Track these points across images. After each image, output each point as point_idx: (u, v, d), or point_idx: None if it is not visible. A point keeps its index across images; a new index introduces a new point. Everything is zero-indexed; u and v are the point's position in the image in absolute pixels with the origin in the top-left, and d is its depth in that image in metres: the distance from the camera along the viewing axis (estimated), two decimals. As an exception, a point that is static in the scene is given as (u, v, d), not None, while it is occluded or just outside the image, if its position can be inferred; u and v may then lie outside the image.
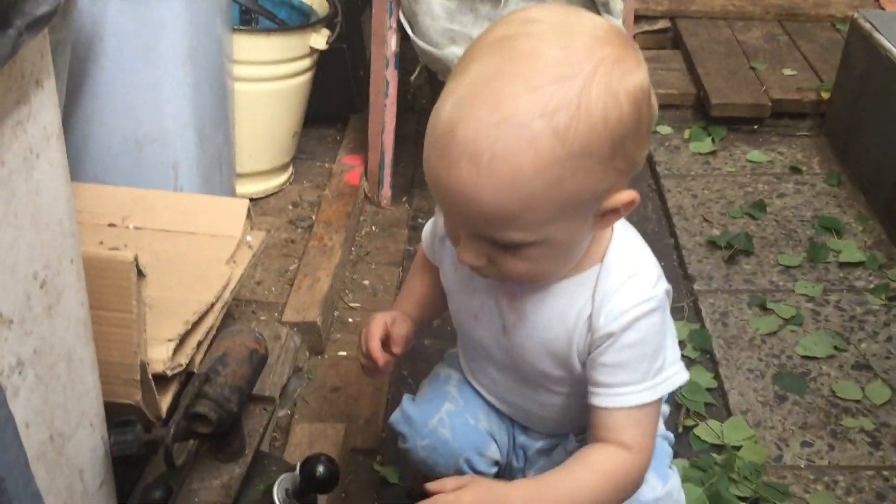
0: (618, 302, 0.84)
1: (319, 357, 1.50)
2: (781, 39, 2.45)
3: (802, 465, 1.31)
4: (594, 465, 0.85)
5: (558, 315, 0.88)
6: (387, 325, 0.99)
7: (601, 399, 0.87)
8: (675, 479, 0.98)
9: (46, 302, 0.74)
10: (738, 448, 1.32)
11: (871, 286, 1.66)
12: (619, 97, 0.72)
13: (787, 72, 2.29)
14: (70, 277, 0.78)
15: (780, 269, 1.71)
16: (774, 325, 1.56)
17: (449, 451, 1.02)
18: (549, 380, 0.94)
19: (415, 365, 1.46)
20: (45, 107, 0.71)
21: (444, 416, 1.02)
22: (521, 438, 1.05)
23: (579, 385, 0.91)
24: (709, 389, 1.43)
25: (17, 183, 0.68)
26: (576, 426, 1.00)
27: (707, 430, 1.35)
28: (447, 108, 0.73)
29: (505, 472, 1.08)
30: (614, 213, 0.79)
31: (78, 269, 0.80)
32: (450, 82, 0.75)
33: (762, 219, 1.85)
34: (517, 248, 0.77)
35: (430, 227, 1.02)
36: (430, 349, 1.48)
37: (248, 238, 1.31)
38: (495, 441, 1.04)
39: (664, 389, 0.87)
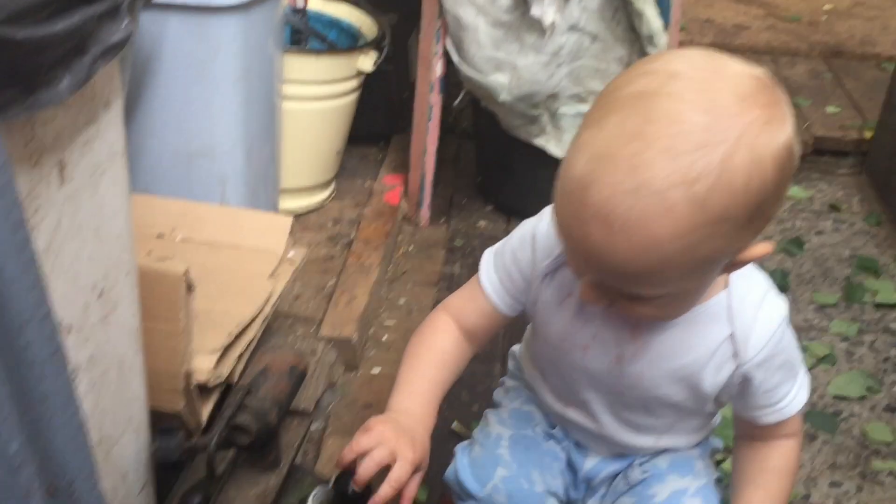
0: (761, 329, 0.86)
1: (353, 373, 1.53)
2: (826, 77, 2.45)
3: (830, 506, 1.31)
4: (779, 469, 0.95)
5: (688, 345, 0.88)
6: (394, 463, 0.87)
7: (771, 416, 0.93)
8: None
9: (103, 311, 0.78)
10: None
11: (908, 328, 1.66)
12: (764, 164, 0.69)
13: (831, 109, 2.29)
14: (125, 288, 0.82)
15: (816, 307, 1.71)
16: (808, 364, 1.55)
17: None
18: (661, 404, 0.94)
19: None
20: (111, 126, 0.75)
21: (499, 483, 0.99)
22: (584, 470, 1.03)
23: (695, 404, 0.93)
24: (738, 425, 1.44)
25: (83, 198, 0.72)
26: (649, 448, 1.00)
27: (735, 466, 1.36)
28: (581, 163, 0.70)
29: None
30: (746, 262, 0.79)
31: (133, 280, 0.84)
32: (584, 132, 0.72)
33: (799, 256, 1.85)
34: (646, 298, 0.77)
35: (510, 264, 0.96)
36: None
37: (291, 253, 1.35)
38: (553, 494, 1.01)
39: (809, 378, 0.95)
